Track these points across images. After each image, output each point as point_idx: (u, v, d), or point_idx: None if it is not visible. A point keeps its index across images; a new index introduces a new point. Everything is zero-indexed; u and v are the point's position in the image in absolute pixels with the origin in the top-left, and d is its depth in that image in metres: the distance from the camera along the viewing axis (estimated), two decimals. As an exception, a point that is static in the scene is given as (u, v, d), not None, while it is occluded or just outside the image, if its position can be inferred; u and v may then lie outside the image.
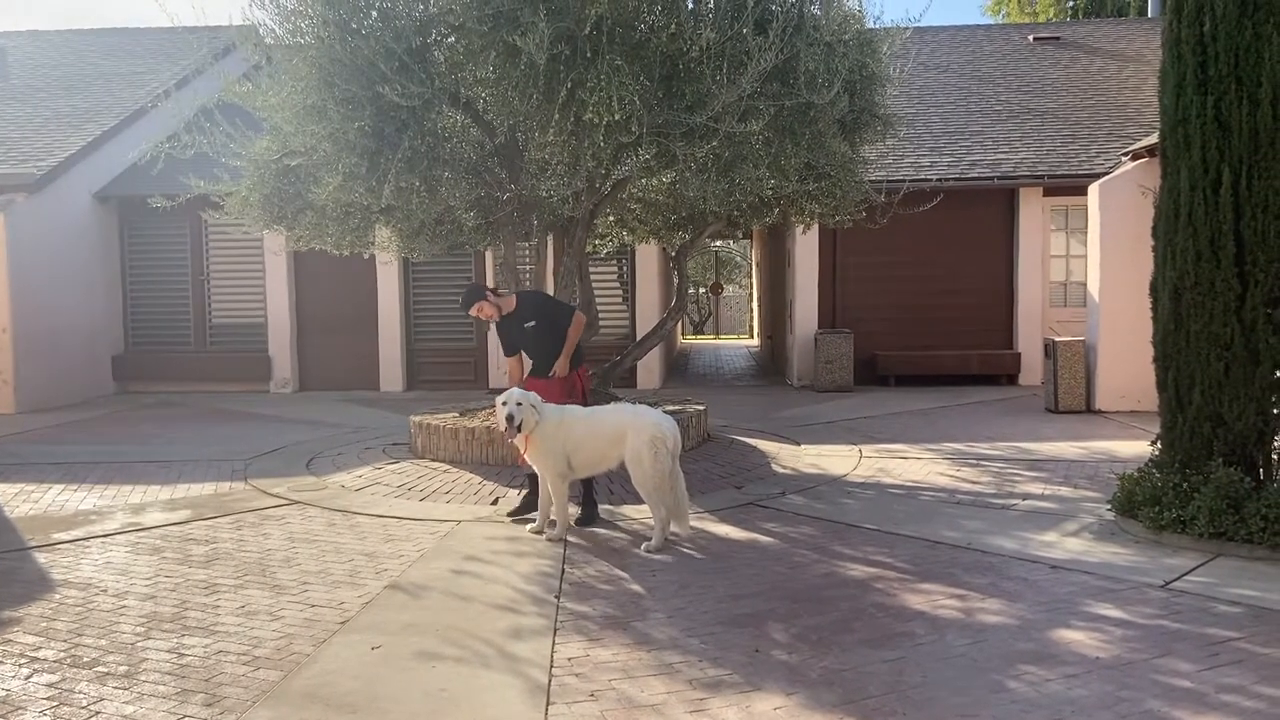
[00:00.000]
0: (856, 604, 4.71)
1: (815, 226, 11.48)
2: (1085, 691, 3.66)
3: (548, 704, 3.67)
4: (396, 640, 4.30)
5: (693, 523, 6.29)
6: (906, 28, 8.23)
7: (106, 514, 6.74)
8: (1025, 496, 6.90)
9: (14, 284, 11.83)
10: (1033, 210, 13.50)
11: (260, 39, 7.56)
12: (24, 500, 7.13)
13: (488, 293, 6.77)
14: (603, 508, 6.63)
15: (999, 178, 13.12)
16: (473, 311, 6.70)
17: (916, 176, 12.51)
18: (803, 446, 9.01)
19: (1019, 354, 13.49)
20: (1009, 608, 4.62)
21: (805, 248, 13.66)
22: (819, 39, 7.22)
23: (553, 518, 6.03)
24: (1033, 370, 13.08)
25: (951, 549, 5.62)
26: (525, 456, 5.93)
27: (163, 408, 12.46)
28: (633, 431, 5.71)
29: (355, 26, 6.94)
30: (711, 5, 7.07)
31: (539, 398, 5.87)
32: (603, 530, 6.19)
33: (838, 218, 9.32)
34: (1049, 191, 13.39)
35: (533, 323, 6.61)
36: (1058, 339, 10.99)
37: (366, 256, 10.15)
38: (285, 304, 13.94)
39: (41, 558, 5.68)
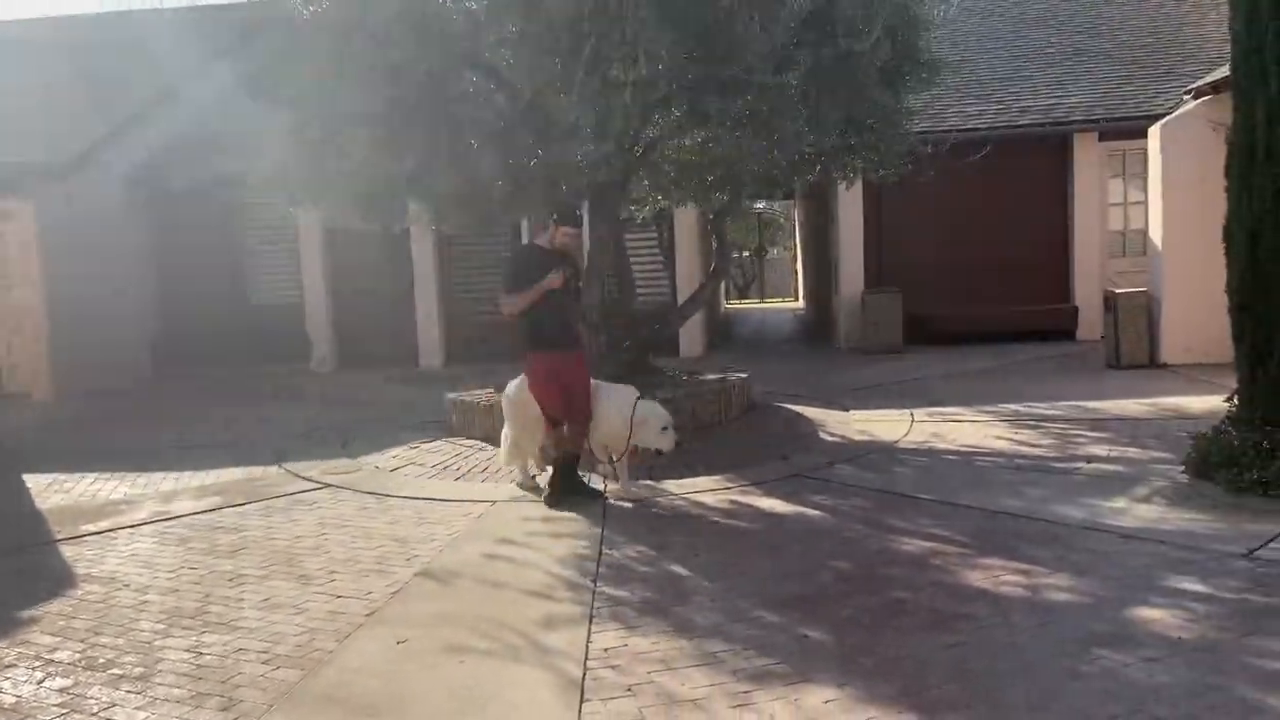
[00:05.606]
0: (913, 583, 4.40)
1: (859, 183, 11.02)
2: (1168, 678, 3.33)
3: (581, 700, 3.43)
4: (424, 633, 4.09)
5: (736, 497, 6.02)
6: (950, -32, 7.76)
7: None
8: (1090, 459, 6.50)
9: (44, 270, 11.77)
10: (1088, 156, 12.85)
11: (283, 11, 7.31)
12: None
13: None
14: (643, 483, 6.39)
15: (1052, 124, 12.50)
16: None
17: (964, 126, 11.97)
18: (851, 412, 8.65)
19: (1076, 308, 12.94)
20: (1079, 583, 4.27)
21: (848, 205, 13.18)
22: (857, -19, 6.81)
23: None
24: (1091, 325, 12.51)
25: (1013, 519, 5.27)
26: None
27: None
28: None
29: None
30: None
31: None
32: (641, 507, 5.94)
33: (881, 172, 8.88)
34: (1105, 136, 12.71)
35: None
36: (1118, 291, 10.46)
37: (397, 230, 9.93)
38: (320, 282, 13.87)
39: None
